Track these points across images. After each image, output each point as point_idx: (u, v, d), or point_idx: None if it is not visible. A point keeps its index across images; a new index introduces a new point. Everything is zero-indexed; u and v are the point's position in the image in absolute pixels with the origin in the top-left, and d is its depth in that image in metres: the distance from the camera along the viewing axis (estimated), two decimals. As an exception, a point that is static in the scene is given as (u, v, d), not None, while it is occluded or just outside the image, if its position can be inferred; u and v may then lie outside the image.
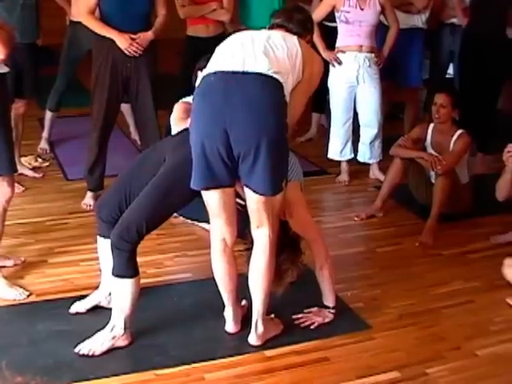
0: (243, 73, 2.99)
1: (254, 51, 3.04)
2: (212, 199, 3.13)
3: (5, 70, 3.64)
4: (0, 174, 3.70)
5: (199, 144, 3.01)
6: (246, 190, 3.08)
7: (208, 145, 2.99)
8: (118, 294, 3.23)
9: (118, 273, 3.19)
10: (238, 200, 3.26)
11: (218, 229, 3.22)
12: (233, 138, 2.95)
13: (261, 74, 2.98)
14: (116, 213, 3.30)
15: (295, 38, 3.19)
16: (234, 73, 3.00)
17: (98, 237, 3.46)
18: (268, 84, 2.98)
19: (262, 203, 3.07)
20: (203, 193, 3.14)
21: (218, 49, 3.18)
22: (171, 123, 4.01)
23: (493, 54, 5.51)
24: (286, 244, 3.40)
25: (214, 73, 3.05)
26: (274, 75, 2.99)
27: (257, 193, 3.04)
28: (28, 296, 3.70)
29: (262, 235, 3.16)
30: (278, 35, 3.20)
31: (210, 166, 3.02)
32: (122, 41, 4.54)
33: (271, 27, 3.38)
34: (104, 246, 3.39)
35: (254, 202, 3.08)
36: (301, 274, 3.45)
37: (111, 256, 3.20)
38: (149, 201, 3.19)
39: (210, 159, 3.01)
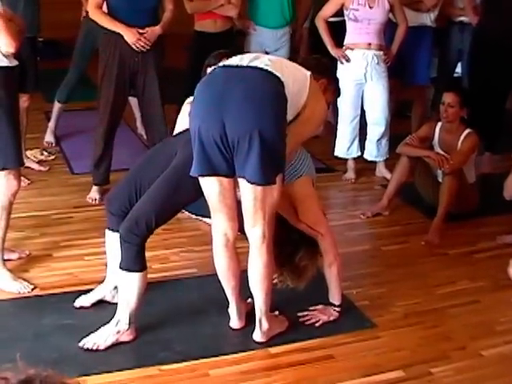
0: (247, 67, 3.01)
1: (265, 58, 3.10)
2: (211, 192, 3.10)
3: (14, 63, 3.63)
4: (6, 167, 3.69)
5: (196, 129, 2.99)
6: (241, 183, 3.04)
7: (204, 130, 2.97)
8: (125, 288, 3.22)
9: (126, 266, 3.18)
10: (239, 193, 3.24)
11: (219, 223, 3.19)
12: (228, 125, 2.92)
13: (263, 69, 2.99)
14: (126, 206, 3.29)
15: (308, 72, 3.15)
16: (238, 66, 3.03)
17: (107, 230, 3.45)
18: (269, 78, 2.98)
19: (258, 198, 3.01)
20: (202, 186, 3.10)
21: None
22: (177, 123, 4.02)
23: (504, 53, 5.49)
24: (301, 241, 3.39)
25: (220, 67, 3.11)
26: (277, 74, 2.98)
27: (251, 182, 2.99)
28: (32, 289, 3.70)
29: (256, 236, 3.10)
30: (291, 63, 3.26)
31: (206, 152, 2.99)
32: (129, 35, 4.54)
33: None
34: (112, 239, 3.38)
35: (250, 195, 3.02)
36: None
37: (119, 250, 3.19)
38: (158, 195, 3.19)
39: (206, 145, 2.98)
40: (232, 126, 2.92)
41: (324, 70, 3.46)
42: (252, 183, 2.98)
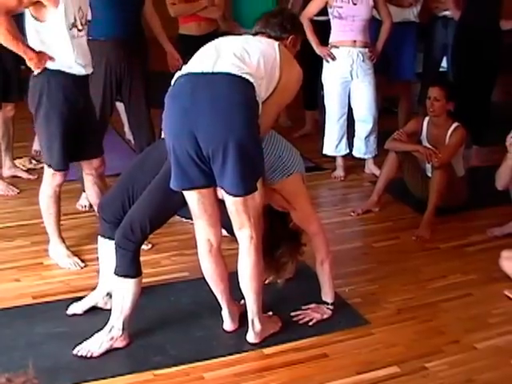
0: (212, 73, 2.94)
1: (228, 54, 3.00)
2: (191, 201, 3.10)
3: (82, 72, 3.95)
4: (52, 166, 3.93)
5: (170, 145, 2.98)
6: (222, 191, 3.04)
7: (177, 146, 2.95)
8: (120, 294, 3.21)
9: (122, 272, 3.17)
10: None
11: (202, 230, 3.19)
12: (200, 138, 2.89)
13: (229, 74, 2.92)
14: (120, 213, 3.28)
15: (276, 44, 3.12)
16: (203, 74, 2.95)
17: (99, 237, 3.44)
18: (236, 83, 2.92)
19: (239, 204, 3.02)
20: (184, 194, 3.11)
21: (196, 53, 3.13)
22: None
23: (486, 46, 5.50)
24: (284, 237, 3.39)
25: (186, 74, 3.02)
26: (244, 75, 2.92)
27: (230, 194, 3.01)
28: (82, 268, 3.98)
29: (244, 237, 3.12)
30: (256, 40, 3.19)
31: (183, 167, 2.98)
32: None
33: (254, 35, 3.35)
34: (105, 246, 3.37)
35: (231, 203, 3.04)
36: (298, 269, 3.43)
37: (114, 256, 3.18)
38: (151, 200, 3.18)
39: (181, 160, 2.96)
40: (204, 140, 2.89)
41: (290, 25, 3.35)
42: (231, 195, 2.99)
